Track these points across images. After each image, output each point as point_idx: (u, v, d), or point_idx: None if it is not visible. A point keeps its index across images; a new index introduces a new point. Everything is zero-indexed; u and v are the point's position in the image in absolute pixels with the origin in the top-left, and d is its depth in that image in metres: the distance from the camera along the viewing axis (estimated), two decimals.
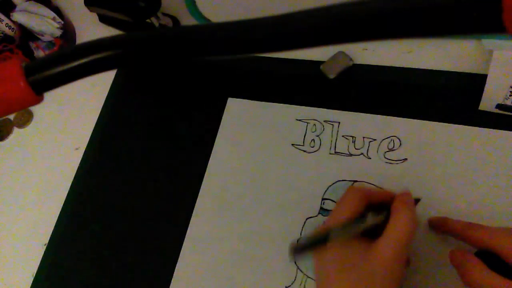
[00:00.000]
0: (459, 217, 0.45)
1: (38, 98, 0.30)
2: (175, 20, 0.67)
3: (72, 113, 0.67)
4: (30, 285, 0.56)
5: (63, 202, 0.60)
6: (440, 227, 0.44)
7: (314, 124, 0.54)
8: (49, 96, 0.30)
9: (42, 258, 0.57)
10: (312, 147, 0.53)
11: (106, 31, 0.70)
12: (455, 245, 0.43)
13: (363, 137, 0.52)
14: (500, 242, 0.37)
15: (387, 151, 0.50)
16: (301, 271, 0.47)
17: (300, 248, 0.36)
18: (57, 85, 0.29)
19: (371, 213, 0.38)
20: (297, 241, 0.34)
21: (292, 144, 0.54)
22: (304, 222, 0.49)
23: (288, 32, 0.27)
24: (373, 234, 0.37)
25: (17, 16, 0.68)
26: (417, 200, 0.40)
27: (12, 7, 0.70)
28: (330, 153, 0.52)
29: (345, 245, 0.37)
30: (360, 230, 0.37)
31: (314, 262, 0.39)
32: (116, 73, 0.67)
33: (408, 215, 0.37)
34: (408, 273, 0.44)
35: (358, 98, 0.54)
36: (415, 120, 0.51)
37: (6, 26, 0.68)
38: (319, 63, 0.57)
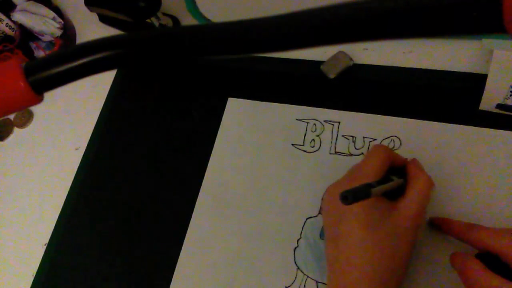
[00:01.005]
0: (459, 217, 0.45)
1: (38, 98, 0.30)
2: (175, 20, 0.67)
3: (72, 113, 0.67)
4: (30, 285, 0.56)
5: (63, 202, 0.60)
6: (441, 227, 0.44)
7: (314, 124, 0.54)
8: (49, 96, 0.30)
9: (42, 258, 0.57)
10: (312, 147, 0.53)
11: (106, 31, 0.70)
12: (456, 245, 0.44)
13: (363, 137, 0.52)
14: (501, 243, 0.37)
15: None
16: (301, 271, 0.47)
17: (350, 197, 0.36)
18: (57, 85, 0.29)
19: (395, 177, 0.40)
20: (347, 191, 0.35)
21: (292, 144, 0.54)
22: (304, 222, 0.49)
23: (288, 32, 0.27)
24: (391, 195, 0.39)
25: (17, 16, 0.68)
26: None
27: (12, 7, 0.70)
28: (330, 153, 0.52)
29: (373, 201, 0.38)
30: (385, 190, 0.38)
31: (332, 209, 0.41)
32: (116, 73, 0.67)
33: (425, 177, 0.40)
34: (410, 272, 0.44)
35: (358, 98, 0.54)
36: (415, 120, 0.51)
37: (6, 26, 0.68)
38: (319, 63, 0.57)
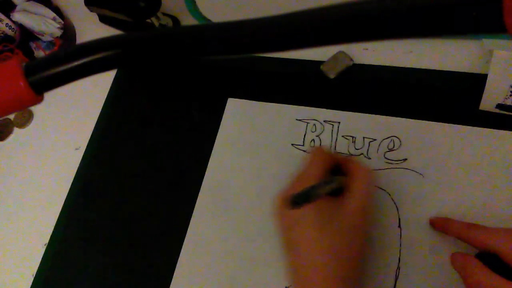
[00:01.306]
0: (459, 217, 0.45)
1: (38, 98, 0.30)
2: (175, 20, 0.67)
3: (72, 113, 0.67)
4: (30, 285, 0.56)
5: (63, 202, 0.60)
6: (442, 227, 0.44)
7: (314, 124, 0.54)
8: (49, 96, 0.30)
9: (42, 258, 0.57)
10: (312, 147, 0.53)
11: (106, 31, 0.70)
12: (457, 245, 0.44)
13: (363, 137, 0.52)
14: (501, 243, 0.37)
15: (387, 151, 0.50)
16: None
17: (299, 201, 0.38)
18: (57, 85, 0.29)
19: (337, 176, 0.42)
20: (294, 195, 0.37)
21: (292, 144, 0.54)
22: None
23: (288, 32, 0.27)
24: (338, 194, 0.41)
25: (17, 16, 0.68)
26: None
27: (12, 7, 0.70)
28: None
29: (320, 204, 0.39)
30: (330, 190, 0.40)
31: (283, 217, 0.41)
32: (116, 73, 0.67)
33: (364, 170, 0.41)
34: (410, 272, 0.44)
35: (358, 98, 0.54)
36: (415, 120, 0.51)
37: (6, 26, 0.68)
38: (319, 63, 0.57)
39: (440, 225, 0.44)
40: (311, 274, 0.38)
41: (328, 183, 0.40)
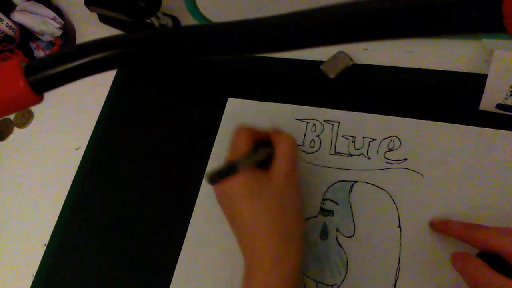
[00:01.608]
0: (459, 217, 0.45)
1: (38, 98, 0.30)
2: (175, 20, 0.67)
3: (72, 113, 0.67)
4: (30, 285, 0.56)
5: (63, 202, 0.60)
6: (442, 229, 0.44)
7: (314, 124, 0.54)
8: (49, 96, 0.30)
9: (42, 258, 0.57)
10: (312, 147, 0.53)
11: (106, 31, 0.70)
12: (457, 245, 0.44)
13: (363, 137, 0.52)
14: (502, 242, 0.37)
15: (387, 151, 0.50)
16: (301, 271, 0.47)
17: (215, 177, 0.41)
18: (57, 85, 0.29)
19: (261, 148, 0.44)
20: (211, 172, 0.41)
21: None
22: None
23: (288, 32, 0.27)
24: (265, 165, 0.43)
25: (17, 16, 0.68)
26: None
27: (12, 7, 0.70)
28: (330, 153, 0.52)
29: (248, 175, 0.41)
30: (255, 162, 0.42)
31: (219, 194, 0.44)
32: (116, 73, 0.67)
33: (285, 136, 0.43)
34: (409, 274, 0.44)
35: (358, 98, 0.54)
36: (415, 120, 0.51)
37: (6, 26, 0.68)
38: (319, 63, 0.57)
39: (440, 227, 0.44)
40: (252, 241, 0.41)
41: (250, 156, 0.42)
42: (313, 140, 0.53)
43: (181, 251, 0.52)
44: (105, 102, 0.66)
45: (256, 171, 0.42)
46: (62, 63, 0.28)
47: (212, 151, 0.56)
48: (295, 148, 0.43)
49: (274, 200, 0.41)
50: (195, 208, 0.54)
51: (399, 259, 0.45)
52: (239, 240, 0.43)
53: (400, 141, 0.50)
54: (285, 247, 0.40)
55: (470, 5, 0.21)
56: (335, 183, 0.50)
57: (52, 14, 0.70)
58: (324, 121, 0.54)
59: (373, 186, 0.49)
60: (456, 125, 0.49)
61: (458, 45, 0.54)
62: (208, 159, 0.56)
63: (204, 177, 0.38)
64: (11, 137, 0.68)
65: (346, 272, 0.46)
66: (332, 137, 0.53)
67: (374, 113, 0.53)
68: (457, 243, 0.43)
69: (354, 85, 0.55)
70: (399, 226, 0.46)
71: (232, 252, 0.50)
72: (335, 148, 0.52)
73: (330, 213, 0.49)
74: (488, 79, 0.48)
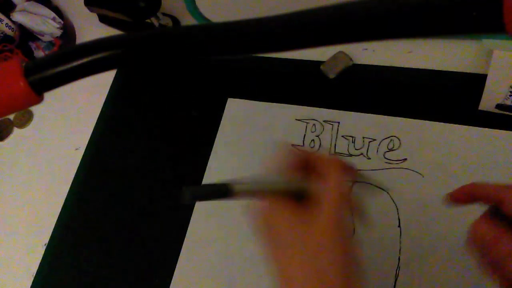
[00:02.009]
0: (459, 216, 0.45)
1: (38, 98, 0.30)
2: (175, 20, 0.67)
3: (72, 113, 0.67)
4: (30, 285, 0.56)
5: (63, 202, 0.60)
6: (469, 197, 0.37)
7: (314, 124, 0.54)
8: (49, 96, 0.30)
9: (42, 258, 0.57)
10: (312, 147, 0.53)
11: (106, 31, 0.70)
12: (456, 244, 0.43)
13: (363, 137, 0.52)
14: (504, 195, 0.32)
15: (387, 151, 0.50)
16: None
17: (198, 195, 0.31)
18: (57, 85, 0.29)
19: (301, 177, 0.34)
20: (193, 186, 0.31)
21: (292, 144, 0.54)
22: None
23: (288, 32, 0.27)
24: (299, 197, 0.33)
25: (17, 16, 0.68)
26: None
27: (12, 7, 0.70)
28: (330, 153, 0.52)
29: (279, 211, 0.32)
30: (284, 191, 0.33)
31: (258, 222, 0.33)
32: (116, 73, 0.67)
33: (336, 178, 0.33)
34: (409, 274, 0.44)
35: (358, 98, 0.54)
36: (415, 120, 0.51)
37: (6, 26, 0.68)
38: (319, 63, 0.57)
39: (464, 196, 0.37)
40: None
41: (282, 184, 0.33)
42: (313, 140, 0.53)
43: (181, 251, 0.52)
44: (105, 102, 0.66)
45: (288, 207, 0.32)
46: (62, 63, 0.28)
47: (212, 151, 0.56)
48: (344, 195, 0.33)
49: (313, 259, 0.31)
50: (195, 208, 0.54)
51: (399, 259, 0.45)
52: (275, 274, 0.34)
53: (400, 141, 0.50)
54: None
55: (470, 5, 0.21)
56: None
57: (52, 14, 0.70)
58: (324, 121, 0.54)
59: (373, 186, 0.49)
60: (456, 125, 0.49)
61: (458, 45, 0.54)
62: (208, 159, 0.56)
63: (183, 191, 0.29)
64: (11, 137, 0.68)
65: None
66: (332, 137, 0.53)
67: (374, 113, 0.53)
68: (457, 243, 0.43)
69: (354, 85, 0.55)
70: (399, 226, 0.46)
71: (232, 252, 0.50)
72: (335, 148, 0.52)
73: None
74: (488, 79, 0.48)
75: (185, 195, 0.30)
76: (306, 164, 0.35)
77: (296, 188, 0.33)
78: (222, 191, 0.31)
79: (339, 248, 0.31)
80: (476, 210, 0.45)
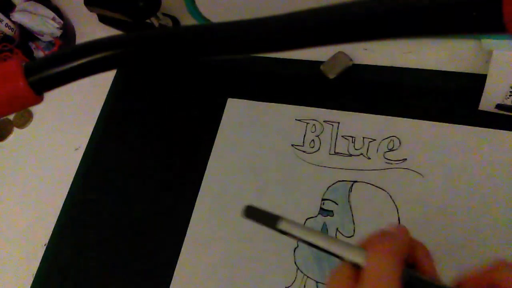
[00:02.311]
0: (459, 217, 0.45)
1: (38, 98, 0.30)
2: (175, 20, 0.67)
3: (72, 113, 0.67)
4: (30, 285, 0.56)
5: (63, 202, 0.60)
6: None
7: (314, 125, 0.54)
8: (49, 96, 0.30)
9: (42, 258, 0.57)
10: (312, 147, 0.53)
11: (106, 31, 0.70)
12: (457, 244, 0.43)
13: (363, 137, 0.52)
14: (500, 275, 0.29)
15: (387, 151, 0.50)
16: (301, 271, 0.47)
17: (253, 215, 0.33)
18: (57, 85, 0.29)
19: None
20: (252, 207, 0.33)
21: (292, 145, 0.54)
22: (304, 222, 0.49)
23: (288, 32, 0.27)
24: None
25: (17, 16, 0.68)
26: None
27: (12, 7, 0.70)
28: (330, 154, 0.52)
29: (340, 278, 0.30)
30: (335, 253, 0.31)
31: None
32: (116, 73, 0.67)
33: (381, 265, 0.29)
34: None
35: (358, 98, 0.54)
36: (415, 120, 0.51)
37: (6, 26, 0.68)
38: (319, 63, 0.57)
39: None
40: None
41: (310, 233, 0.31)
42: (313, 140, 0.53)
43: (181, 251, 0.52)
44: (105, 102, 0.66)
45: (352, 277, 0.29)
46: (62, 63, 0.28)
47: (212, 151, 0.56)
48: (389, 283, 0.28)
49: None
50: (195, 208, 0.54)
51: None
52: None
53: (400, 141, 0.50)
54: None
55: (470, 5, 0.21)
56: (335, 183, 0.50)
57: (52, 14, 0.70)
58: (324, 121, 0.54)
59: (373, 186, 0.49)
60: (456, 125, 0.49)
61: (458, 45, 0.54)
62: (208, 159, 0.56)
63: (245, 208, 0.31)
64: (11, 137, 0.68)
65: None
66: (332, 138, 0.53)
67: (374, 113, 0.53)
68: (457, 242, 0.43)
69: (354, 85, 0.55)
70: None
71: (232, 252, 0.50)
72: (335, 148, 0.52)
73: (330, 213, 0.49)
74: (487, 79, 0.48)
75: (244, 212, 0.32)
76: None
77: (348, 253, 0.30)
78: (270, 222, 0.32)
79: None
80: (476, 210, 0.45)
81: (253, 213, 0.34)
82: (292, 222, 0.31)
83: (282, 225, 0.32)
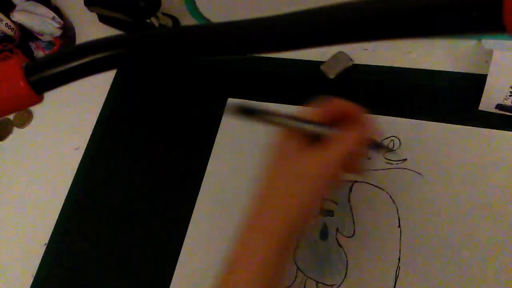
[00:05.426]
0: (459, 217, 0.45)
1: (38, 98, 0.30)
2: (175, 20, 0.67)
3: (72, 113, 0.67)
4: (30, 285, 0.56)
5: (63, 202, 0.60)
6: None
7: None
8: (49, 96, 0.30)
9: (42, 258, 0.57)
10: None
11: (106, 31, 0.70)
12: (456, 244, 0.43)
13: None
14: None
15: (387, 151, 0.50)
16: (301, 271, 0.47)
17: (243, 110, 0.37)
18: (57, 85, 0.29)
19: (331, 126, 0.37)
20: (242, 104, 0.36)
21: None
22: None
23: (288, 32, 0.27)
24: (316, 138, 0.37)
25: (17, 16, 0.68)
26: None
27: (12, 7, 0.70)
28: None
29: (289, 137, 0.37)
30: (309, 131, 0.37)
31: (273, 144, 0.39)
32: (116, 73, 0.67)
33: (355, 135, 0.37)
34: (409, 274, 0.44)
35: (358, 98, 0.54)
36: (415, 120, 0.51)
37: (6, 26, 0.68)
38: (319, 63, 0.57)
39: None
40: (263, 199, 0.38)
41: (306, 123, 0.37)
42: None
43: (181, 251, 0.52)
44: (105, 102, 0.66)
45: (308, 140, 0.37)
46: (62, 63, 0.29)
47: (212, 151, 0.56)
48: (354, 146, 0.36)
49: (298, 178, 0.35)
50: (195, 208, 0.54)
51: (399, 259, 0.45)
52: (255, 191, 0.39)
53: (400, 141, 0.50)
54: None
55: (470, 5, 0.21)
56: None
57: (52, 14, 0.70)
58: None
59: (373, 186, 0.49)
60: (456, 125, 0.49)
61: (458, 45, 0.54)
62: (208, 159, 0.56)
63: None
64: (11, 137, 0.68)
65: (346, 272, 0.46)
66: None
67: (374, 113, 0.52)
68: (457, 242, 0.43)
69: (354, 85, 0.55)
70: (399, 226, 0.46)
71: None
72: None
73: (330, 213, 0.49)
74: (487, 79, 0.48)
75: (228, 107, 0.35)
76: (339, 114, 0.38)
77: (316, 130, 0.37)
78: (249, 111, 0.36)
79: (323, 186, 0.36)
80: (476, 210, 0.45)
81: (232, 107, 0.36)
82: (270, 110, 0.37)
83: (260, 112, 0.37)
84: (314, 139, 0.37)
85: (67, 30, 0.71)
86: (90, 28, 0.73)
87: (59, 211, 0.59)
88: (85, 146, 0.63)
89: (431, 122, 0.50)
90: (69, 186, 0.61)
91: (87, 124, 0.65)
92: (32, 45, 0.71)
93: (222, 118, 0.58)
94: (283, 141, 0.38)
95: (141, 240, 0.54)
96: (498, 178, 0.46)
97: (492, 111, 0.49)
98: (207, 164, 0.56)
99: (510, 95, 0.47)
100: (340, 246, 0.47)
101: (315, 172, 0.36)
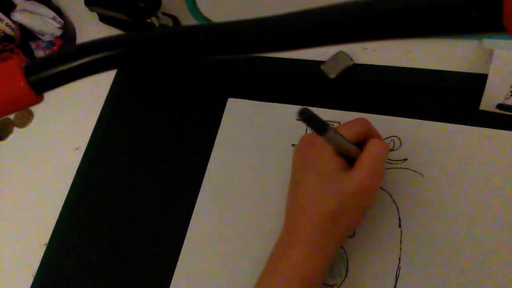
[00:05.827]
0: (459, 217, 0.45)
1: (38, 98, 0.30)
2: (175, 20, 0.67)
3: (72, 113, 0.67)
4: (30, 285, 0.56)
5: (63, 202, 0.60)
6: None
7: None
8: (49, 96, 0.30)
9: (42, 258, 0.57)
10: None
11: (106, 31, 0.70)
12: (456, 244, 0.43)
13: None
14: None
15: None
16: None
17: (308, 117, 0.37)
18: (57, 85, 0.29)
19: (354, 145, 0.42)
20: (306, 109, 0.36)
21: (292, 144, 0.54)
22: None
23: (288, 32, 0.27)
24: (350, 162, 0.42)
25: (17, 16, 0.68)
26: None
27: (12, 6, 0.70)
28: None
29: (327, 157, 0.41)
30: (341, 145, 0.41)
31: (296, 164, 0.44)
32: (116, 73, 0.67)
33: (378, 142, 0.42)
34: (410, 274, 0.44)
35: (358, 98, 0.54)
36: (415, 120, 0.51)
37: (6, 26, 0.68)
38: (319, 62, 0.57)
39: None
40: (298, 215, 0.41)
41: (344, 139, 0.41)
42: None
43: (181, 251, 0.52)
44: (105, 102, 0.66)
45: (340, 160, 0.41)
46: (62, 63, 0.29)
47: (212, 151, 0.56)
48: (382, 153, 0.42)
49: (338, 196, 0.39)
50: (195, 208, 0.54)
51: (400, 259, 0.45)
52: (288, 206, 0.44)
53: (400, 141, 0.50)
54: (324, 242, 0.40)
55: (470, 5, 0.21)
56: None
57: (52, 14, 0.70)
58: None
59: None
60: (456, 125, 0.49)
61: (458, 45, 0.54)
62: (208, 159, 0.56)
63: (300, 109, 0.35)
64: (11, 137, 0.68)
65: (347, 273, 0.46)
66: None
67: (374, 113, 0.53)
68: (458, 242, 0.43)
69: (354, 85, 0.55)
70: (400, 226, 0.46)
71: (232, 252, 0.50)
72: None
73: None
74: (488, 79, 0.48)
75: (302, 114, 0.36)
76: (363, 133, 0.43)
77: (353, 153, 0.42)
78: (323, 126, 0.37)
79: (362, 200, 0.41)
80: (477, 210, 0.45)
81: (307, 116, 0.37)
82: (337, 133, 0.40)
83: (330, 133, 0.38)
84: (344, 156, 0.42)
85: (68, 30, 0.71)
86: (91, 28, 0.73)
87: (59, 211, 0.59)
88: (85, 146, 0.63)
89: (432, 122, 0.50)
90: (69, 186, 0.61)
91: (87, 124, 0.65)
92: (33, 45, 0.71)
93: (222, 118, 0.58)
94: (324, 162, 0.41)
95: (141, 240, 0.54)
96: (499, 177, 0.46)
97: (492, 110, 0.49)
98: (207, 164, 0.56)
99: (511, 95, 0.47)
100: (341, 246, 0.47)
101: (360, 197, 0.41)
